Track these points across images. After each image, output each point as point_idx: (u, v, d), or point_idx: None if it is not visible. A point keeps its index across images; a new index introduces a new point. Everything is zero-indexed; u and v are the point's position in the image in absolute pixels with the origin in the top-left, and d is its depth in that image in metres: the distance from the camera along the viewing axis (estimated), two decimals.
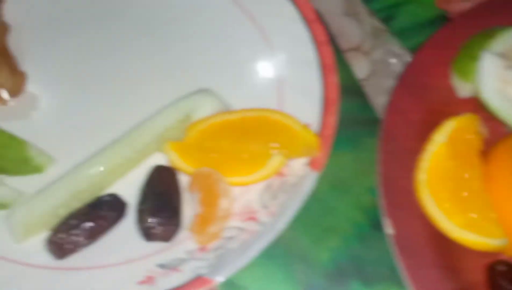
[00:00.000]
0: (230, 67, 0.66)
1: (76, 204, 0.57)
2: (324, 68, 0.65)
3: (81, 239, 0.55)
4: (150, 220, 0.55)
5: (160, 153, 0.61)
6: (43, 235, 0.56)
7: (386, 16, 0.75)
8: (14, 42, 0.67)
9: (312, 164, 0.59)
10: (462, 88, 0.65)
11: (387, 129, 0.62)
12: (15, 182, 0.60)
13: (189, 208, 0.58)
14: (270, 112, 0.61)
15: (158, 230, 0.55)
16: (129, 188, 0.59)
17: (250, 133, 0.60)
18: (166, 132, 0.61)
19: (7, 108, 0.64)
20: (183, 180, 0.60)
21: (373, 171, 0.63)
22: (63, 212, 0.57)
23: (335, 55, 0.66)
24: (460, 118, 0.60)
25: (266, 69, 0.66)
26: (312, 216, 0.61)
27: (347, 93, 0.66)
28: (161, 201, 0.56)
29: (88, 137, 0.62)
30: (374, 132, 0.66)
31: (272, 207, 0.57)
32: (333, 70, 0.64)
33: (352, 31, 0.74)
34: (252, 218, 0.57)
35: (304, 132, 0.59)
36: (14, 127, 0.61)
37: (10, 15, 0.68)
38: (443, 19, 0.74)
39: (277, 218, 0.56)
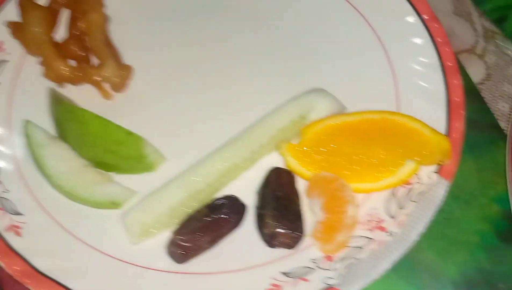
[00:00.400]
0: (345, 67, 0.63)
1: (193, 204, 0.54)
2: (446, 70, 0.61)
3: (203, 242, 0.51)
4: (273, 226, 0.51)
5: (272, 154, 0.58)
6: (162, 237, 0.53)
7: (498, 18, 0.71)
8: (115, 34, 0.64)
9: (442, 172, 0.55)
10: None
11: None
12: (122, 180, 0.56)
13: (309, 213, 0.55)
14: (393, 114, 0.57)
15: (283, 237, 0.52)
16: (244, 189, 0.56)
17: (373, 137, 0.56)
18: (281, 133, 0.57)
19: (111, 102, 0.61)
20: (300, 184, 0.56)
21: (498, 181, 0.59)
22: (180, 213, 0.53)
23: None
24: None
25: (382, 70, 0.62)
26: (436, 227, 0.57)
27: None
28: (283, 205, 0.53)
29: (196, 135, 0.59)
30: (495, 139, 0.62)
31: (401, 217, 0.54)
32: (457, 71, 0.61)
33: (463, 32, 0.70)
34: (380, 228, 0.54)
35: (436, 136, 0.55)
36: (120, 123, 0.58)
37: (111, 6, 0.65)
38: None
39: (409, 229, 0.53)
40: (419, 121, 0.56)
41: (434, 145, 0.54)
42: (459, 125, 0.58)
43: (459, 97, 0.59)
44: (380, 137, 0.56)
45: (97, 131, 0.54)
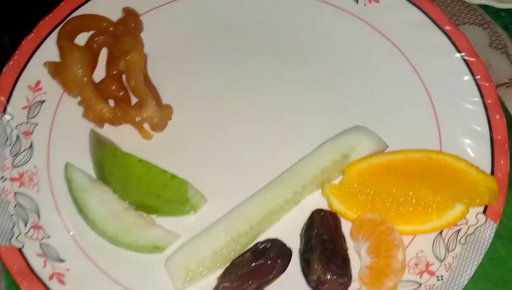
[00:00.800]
0: (387, 105, 0.62)
1: (236, 248, 0.53)
2: (489, 106, 0.60)
3: (249, 289, 0.50)
4: (320, 271, 0.51)
5: (315, 195, 0.57)
6: (206, 283, 0.52)
7: None
8: (153, 72, 0.64)
9: (489, 212, 0.54)
10: None
11: None
12: (164, 222, 0.56)
13: (354, 256, 0.54)
14: (438, 154, 0.56)
15: (330, 283, 0.51)
16: (287, 232, 0.55)
17: (418, 177, 0.55)
18: (323, 173, 0.57)
19: (151, 142, 0.60)
20: (344, 225, 0.55)
21: None
22: (223, 257, 0.53)
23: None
24: None
25: (424, 108, 0.62)
26: (481, 268, 0.56)
27: None
28: (329, 250, 0.52)
29: (237, 175, 0.59)
30: None
31: (449, 260, 0.53)
32: (499, 107, 0.60)
33: (500, 65, 0.69)
34: (429, 272, 0.53)
35: (482, 177, 0.54)
36: (159, 163, 0.57)
37: (148, 43, 0.65)
38: None
39: (457, 273, 0.52)
40: (465, 160, 0.55)
41: (481, 186, 0.54)
42: (505, 163, 0.57)
43: (502, 134, 0.58)
44: (426, 178, 0.55)
45: (141, 175, 0.53)
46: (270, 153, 0.60)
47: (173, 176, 0.54)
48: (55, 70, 0.59)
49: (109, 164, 0.54)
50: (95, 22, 0.63)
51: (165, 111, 0.59)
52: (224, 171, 0.59)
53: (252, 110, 0.62)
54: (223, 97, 0.63)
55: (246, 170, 0.59)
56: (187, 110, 0.62)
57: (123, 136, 0.60)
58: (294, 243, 0.55)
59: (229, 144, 0.60)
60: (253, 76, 0.64)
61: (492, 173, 0.57)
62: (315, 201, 0.57)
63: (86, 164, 0.58)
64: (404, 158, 0.57)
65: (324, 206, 0.56)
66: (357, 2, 0.68)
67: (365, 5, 0.68)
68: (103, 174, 0.56)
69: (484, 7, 0.70)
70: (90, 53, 0.61)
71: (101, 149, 0.55)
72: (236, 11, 0.68)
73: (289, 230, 0.56)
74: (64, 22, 0.63)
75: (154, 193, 0.54)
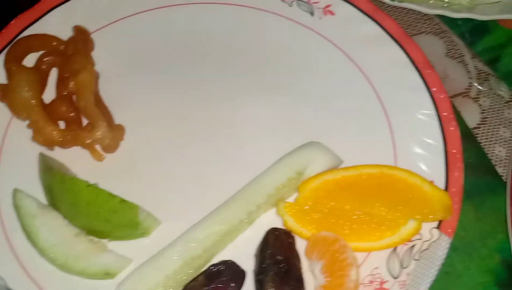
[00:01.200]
0: (341, 119, 0.62)
1: (189, 272, 0.52)
2: (443, 118, 0.60)
3: None
4: None
5: (270, 214, 0.57)
6: None
7: (491, 59, 0.71)
8: (105, 92, 0.63)
9: (443, 227, 0.54)
10: None
11: None
12: (116, 246, 0.55)
13: (308, 276, 0.53)
14: (392, 169, 0.56)
15: None
16: (241, 253, 0.55)
17: (372, 193, 0.55)
18: (278, 191, 0.56)
19: (103, 163, 0.59)
20: (299, 244, 0.55)
21: (498, 230, 0.59)
22: (176, 281, 0.52)
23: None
24: None
25: (379, 121, 0.62)
26: (437, 282, 0.56)
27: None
28: (283, 270, 0.52)
29: (191, 196, 0.58)
30: (493, 185, 0.61)
31: (403, 277, 0.53)
32: (453, 119, 0.60)
33: (457, 75, 0.69)
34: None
35: (435, 192, 0.54)
36: (111, 185, 0.57)
37: (100, 63, 0.64)
38: None
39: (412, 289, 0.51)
40: (418, 176, 0.55)
41: (434, 202, 0.54)
42: (459, 177, 0.57)
43: (456, 148, 0.58)
44: (380, 194, 0.55)
45: (90, 200, 0.52)
46: (224, 172, 0.59)
47: (122, 201, 0.53)
48: (3, 93, 0.58)
49: (57, 190, 0.53)
50: (44, 42, 0.62)
51: (117, 132, 0.58)
52: (178, 191, 0.58)
53: (205, 129, 0.61)
54: (176, 116, 0.62)
55: (200, 190, 0.58)
56: (140, 130, 0.61)
57: (75, 158, 0.59)
58: (249, 263, 0.54)
59: (183, 164, 0.60)
60: (206, 94, 0.63)
61: (447, 186, 0.57)
62: (271, 219, 0.56)
63: (37, 189, 0.57)
64: (358, 174, 0.56)
65: (279, 224, 0.56)
66: (312, 15, 0.68)
67: (320, 18, 0.68)
68: (53, 200, 0.55)
69: (441, 16, 0.70)
70: (39, 75, 0.59)
71: (49, 175, 0.54)
72: (190, 27, 0.67)
73: (244, 251, 0.55)
74: (11, 43, 0.62)
75: (104, 218, 0.53)
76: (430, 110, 0.61)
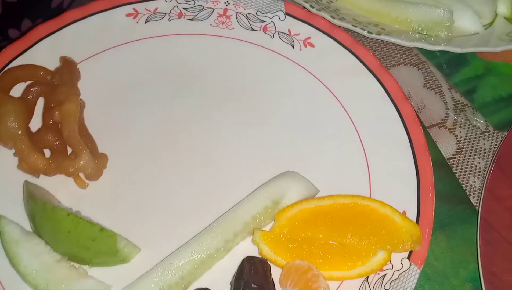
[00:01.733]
0: (319, 149, 0.64)
1: None
2: (417, 150, 0.62)
3: None
4: None
5: (246, 242, 0.58)
6: None
7: (467, 90, 0.73)
8: (89, 121, 0.65)
9: (413, 258, 0.56)
10: None
11: (484, 218, 0.59)
12: (96, 272, 0.57)
13: None
14: (365, 200, 0.58)
15: None
16: (218, 280, 0.56)
17: (346, 223, 0.57)
18: (254, 220, 0.58)
19: (87, 190, 0.61)
20: (274, 271, 0.57)
21: (470, 259, 0.60)
22: None
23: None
24: None
25: (355, 151, 0.64)
26: None
27: (435, 172, 0.62)
28: None
29: (171, 224, 0.60)
30: (466, 215, 0.63)
31: None
32: (427, 151, 0.62)
33: (434, 105, 0.72)
34: None
35: (406, 223, 0.56)
36: (94, 211, 0.59)
37: (85, 92, 0.66)
38: None
39: None
40: (390, 207, 0.57)
41: (404, 233, 0.55)
42: (430, 208, 0.58)
43: (428, 179, 0.60)
44: (352, 224, 0.57)
45: (70, 228, 0.54)
46: (204, 200, 0.61)
47: (102, 229, 0.54)
48: None
49: (39, 218, 0.55)
50: (31, 72, 0.64)
51: (100, 160, 0.60)
52: (159, 219, 0.60)
53: (186, 157, 0.63)
54: (158, 144, 0.64)
55: (180, 218, 0.60)
56: (123, 158, 0.63)
57: (60, 185, 0.61)
58: None
59: (163, 192, 0.61)
60: (188, 123, 0.65)
61: (418, 217, 0.58)
62: (247, 247, 0.58)
63: (24, 215, 0.59)
64: (332, 204, 0.58)
65: (255, 252, 0.58)
66: (293, 46, 0.70)
67: (300, 49, 0.70)
68: (36, 226, 0.56)
69: (420, 47, 0.72)
70: (26, 105, 0.61)
71: (32, 202, 0.56)
72: (172, 58, 0.69)
73: (220, 278, 0.57)
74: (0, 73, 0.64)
75: (84, 246, 0.54)
76: (404, 141, 0.63)
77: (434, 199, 0.59)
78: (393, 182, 0.61)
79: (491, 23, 0.75)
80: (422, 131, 0.63)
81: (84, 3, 0.71)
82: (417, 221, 0.58)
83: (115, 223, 0.58)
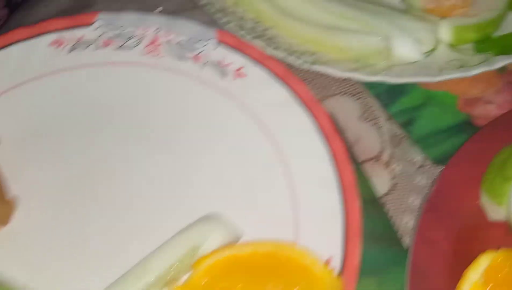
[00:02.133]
0: (243, 188, 0.61)
1: None
2: (345, 190, 0.59)
3: None
4: None
5: None
6: None
7: (406, 121, 0.70)
8: (2, 160, 0.61)
9: None
10: (494, 211, 0.59)
11: (416, 264, 0.57)
12: None
13: None
14: (285, 248, 0.55)
15: None
16: None
17: (265, 273, 0.54)
18: (169, 271, 0.55)
19: None
20: None
21: None
22: None
23: (355, 171, 0.60)
24: (496, 254, 0.54)
25: (280, 190, 0.61)
26: None
27: (366, 210, 0.59)
28: None
29: (82, 273, 0.57)
30: (399, 257, 0.60)
31: None
32: (355, 192, 0.59)
33: (369, 138, 0.69)
34: None
35: (325, 274, 0.53)
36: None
37: None
38: (467, 124, 0.69)
39: None
40: (311, 257, 0.54)
41: (324, 285, 0.52)
42: (356, 252, 0.56)
43: (356, 220, 0.57)
44: (272, 274, 0.54)
45: None
46: (122, 247, 0.58)
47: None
48: None
49: None
50: None
51: (7, 206, 0.57)
52: (72, 266, 0.57)
53: (103, 201, 0.60)
54: (73, 187, 0.61)
55: (93, 268, 0.57)
56: (35, 202, 0.60)
57: None
58: None
59: (78, 238, 0.58)
60: (106, 165, 0.62)
61: (344, 263, 0.56)
62: None
63: None
64: (253, 252, 0.55)
65: None
66: (223, 77, 0.67)
67: (231, 80, 0.67)
68: None
69: None
70: None
71: None
72: (91, 94, 0.66)
73: None
74: None
75: None
76: (332, 180, 0.60)
77: (360, 243, 0.56)
78: (320, 224, 0.58)
79: (432, 50, 0.72)
80: (352, 169, 0.60)
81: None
82: (342, 267, 0.55)
83: (22, 271, 0.55)
